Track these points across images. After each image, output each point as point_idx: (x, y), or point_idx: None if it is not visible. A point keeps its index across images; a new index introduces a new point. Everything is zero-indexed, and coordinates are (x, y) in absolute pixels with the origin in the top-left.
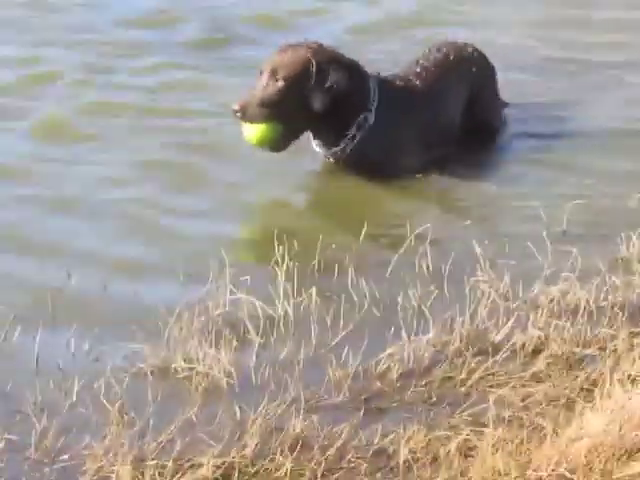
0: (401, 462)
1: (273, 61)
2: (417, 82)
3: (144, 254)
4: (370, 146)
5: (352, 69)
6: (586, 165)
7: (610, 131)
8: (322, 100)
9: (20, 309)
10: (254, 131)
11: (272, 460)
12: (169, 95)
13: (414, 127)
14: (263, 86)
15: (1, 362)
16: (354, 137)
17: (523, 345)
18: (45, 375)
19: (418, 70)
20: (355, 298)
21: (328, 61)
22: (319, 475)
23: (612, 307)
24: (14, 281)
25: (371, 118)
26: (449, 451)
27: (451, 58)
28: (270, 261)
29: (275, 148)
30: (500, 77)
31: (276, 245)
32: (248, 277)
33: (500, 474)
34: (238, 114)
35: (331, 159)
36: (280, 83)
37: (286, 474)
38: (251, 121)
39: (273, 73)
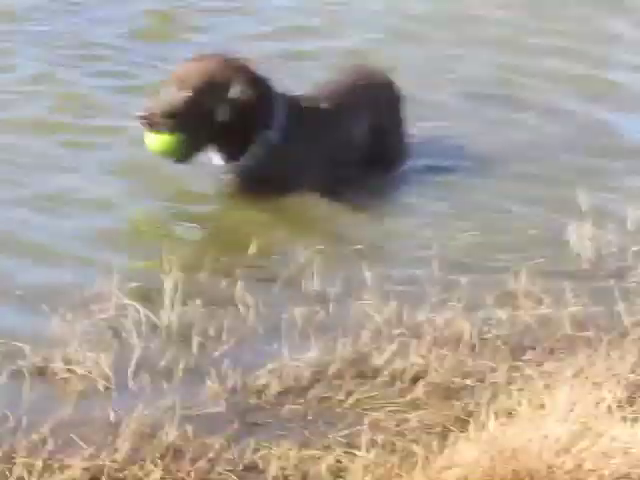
0: (270, 478)
1: (181, 71)
2: (324, 103)
3: (38, 250)
4: (270, 163)
5: (258, 83)
6: (484, 201)
7: (514, 171)
8: (225, 112)
9: None
10: (157, 140)
11: (142, 467)
12: None
13: (316, 148)
14: (169, 95)
15: None
16: (257, 153)
17: (403, 371)
18: None
19: (326, 92)
20: (240, 312)
21: (234, 72)
22: None
23: (495, 340)
24: None
25: (274, 135)
26: (320, 471)
27: (360, 82)
28: (158, 269)
29: (178, 159)
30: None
31: (165, 255)
32: (134, 284)
33: None
34: (142, 122)
35: (230, 174)
36: (186, 94)
37: None
38: (156, 130)
39: (180, 83)
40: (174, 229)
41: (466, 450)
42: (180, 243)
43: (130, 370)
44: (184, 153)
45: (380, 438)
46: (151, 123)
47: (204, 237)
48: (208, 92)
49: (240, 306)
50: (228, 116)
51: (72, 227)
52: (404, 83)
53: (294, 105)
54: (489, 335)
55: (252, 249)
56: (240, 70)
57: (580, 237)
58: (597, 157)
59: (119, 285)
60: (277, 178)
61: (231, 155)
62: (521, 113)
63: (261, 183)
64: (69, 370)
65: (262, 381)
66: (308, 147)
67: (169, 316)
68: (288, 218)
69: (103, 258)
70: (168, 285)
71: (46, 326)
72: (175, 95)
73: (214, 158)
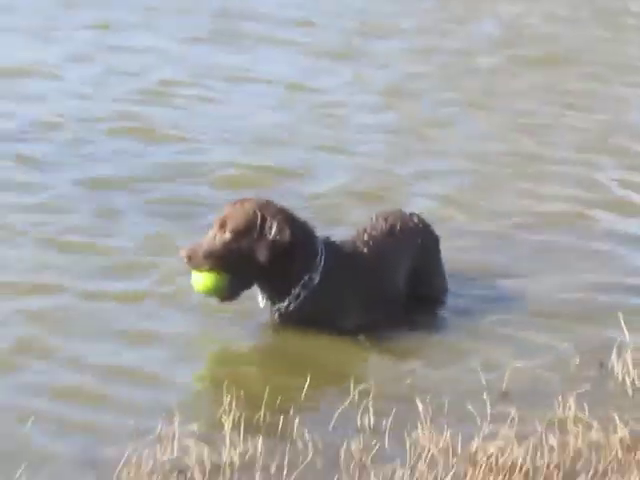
0: None
1: (223, 214)
2: (363, 249)
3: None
4: (313, 306)
5: (296, 226)
6: (523, 335)
7: (548, 304)
8: (266, 253)
9: None
10: (201, 279)
11: None
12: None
13: (357, 292)
14: (211, 237)
15: None
16: (298, 295)
17: None
18: None
19: (365, 237)
20: (299, 448)
21: (273, 215)
22: None
23: (548, 466)
24: None
25: (316, 278)
26: None
27: (397, 227)
28: (218, 410)
29: (221, 297)
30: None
31: (225, 394)
32: (196, 424)
33: None
34: (185, 261)
35: (275, 315)
36: (227, 235)
37: None
38: (198, 269)
39: (222, 225)
40: (230, 369)
41: None
42: (237, 382)
43: None
44: (227, 292)
45: None
46: (193, 263)
47: (259, 375)
48: (246, 233)
49: (298, 442)
50: (269, 257)
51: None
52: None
53: (336, 250)
54: (541, 462)
55: (305, 386)
56: (278, 213)
57: (624, 362)
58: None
59: (181, 426)
60: (320, 319)
61: (275, 297)
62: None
63: (305, 323)
64: None
65: None
66: (349, 290)
67: (231, 455)
68: (336, 355)
69: (163, 399)
70: (228, 424)
71: (112, 469)
72: (217, 236)
73: (259, 298)
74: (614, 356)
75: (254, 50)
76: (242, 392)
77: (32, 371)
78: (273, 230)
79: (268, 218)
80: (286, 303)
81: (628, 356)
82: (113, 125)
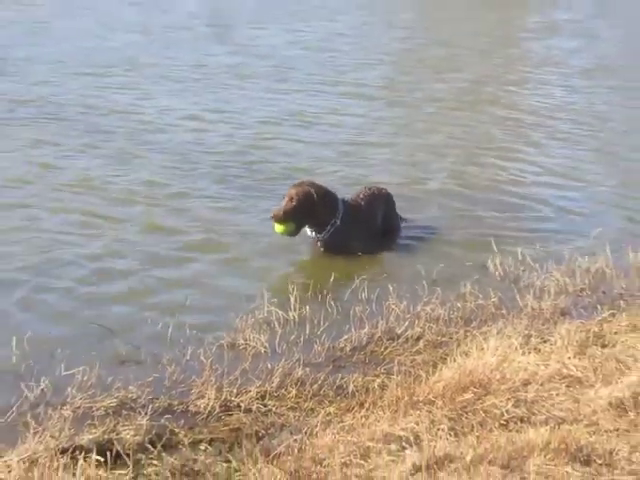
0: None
1: (290, 191)
2: (361, 203)
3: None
4: (336, 236)
5: (332, 196)
6: (442, 249)
7: (454, 237)
8: (320, 211)
9: None
10: (280, 227)
11: (286, 389)
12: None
13: (359, 228)
14: (285, 204)
15: None
16: (329, 230)
17: (412, 335)
18: None
19: (360, 197)
20: (329, 311)
21: (316, 190)
22: None
23: (456, 318)
24: None
25: (338, 221)
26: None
27: (375, 193)
28: (287, 292)
29: (291, 235)
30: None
31: (289, 283)
32: (277, 300)
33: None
34: (272, 217)
35: (318, 241)
36: (294, 203)
37: None
38: (279, 222)
39: (290, 198)
40: (294, 271)
41: (446, 373)
42: (297, 277)
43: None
44: (294, 232)
45: (402, 369)
46: (276, 219)
47: (308, 274)
48: (304, 201)
49: (329, 308)
50: (315, 213)
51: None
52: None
53: (348, 205)
54: (454, 315)
55: (332, 279)
56: (319, 188)
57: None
58: None
59: (269, 301)
60: (340, 245)
61: (318, 231)
62: None
63: (333, 246)
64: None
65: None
66: (356, 228)
67: (293, 314)
68: (348, 265)
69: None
70: (293, 299)
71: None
72: (288, 204)
73: (309, 233)
74: (490, 262)
75: None
76: (301, 282)
77: None
78: (325, 200)
79: (314, 192)
80: (323, 235)
81: (497, 262)
82: None
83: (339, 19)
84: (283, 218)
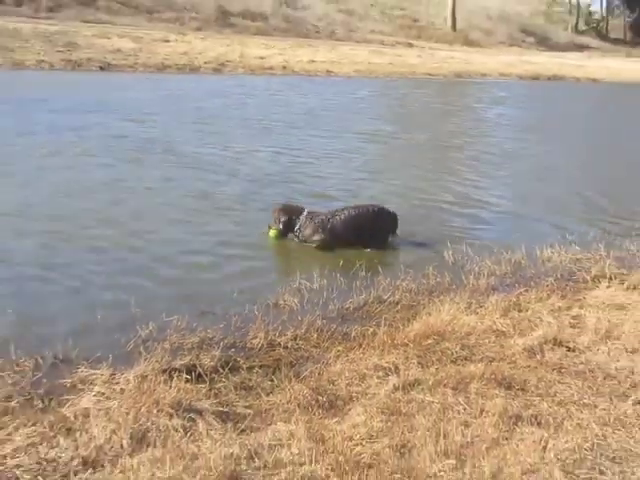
0: None
1: (278, 209)
2: (323, 215)
3: None
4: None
5: (296, 210)
6: (417, 248)
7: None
8: (293, 224)
9: None
10: (273, 234)
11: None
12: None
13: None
14: (277, 218)
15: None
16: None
17: (393, 301)
18: None
19: (332, 211)
20: (338, 284)
21: (294, 210)
22: None
23: (426, 290)
24: None
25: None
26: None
27: (369, 208)
28: (313, 267)
29: (279, 238)
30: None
31: (297, 263)
32: (306, 276)
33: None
34: (269, 229)
35: (295, 239)
36: (282, 218)
37: None
38: (272, 230)
39: (278, 213)
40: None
41: (415, 325)
42: (316, 261)
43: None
44: (281, 237)
45: (386, 323)
46: (270, 230)
47: (325, 259)
48: (286, 219)
49: (341, 284)
50: (294, 225)
51: None
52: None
53: (315, 213)
54: (421, 288)
55: (342, 262)
56: (292, 208)
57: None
58: None
59: (301, 278)
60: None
61: (293, 233)
62: None
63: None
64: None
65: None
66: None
67: (314, 285)
68: (354, 255)
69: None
70: (317, 274)
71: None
72: (278, 218)
73: (295, 235)
74: (445, 253)
75: None
76: (320, 265)
77: None
78: (282, 218)
79: (294, 211)
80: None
81: (450, 253)
82: None
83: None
84: (275, 228)
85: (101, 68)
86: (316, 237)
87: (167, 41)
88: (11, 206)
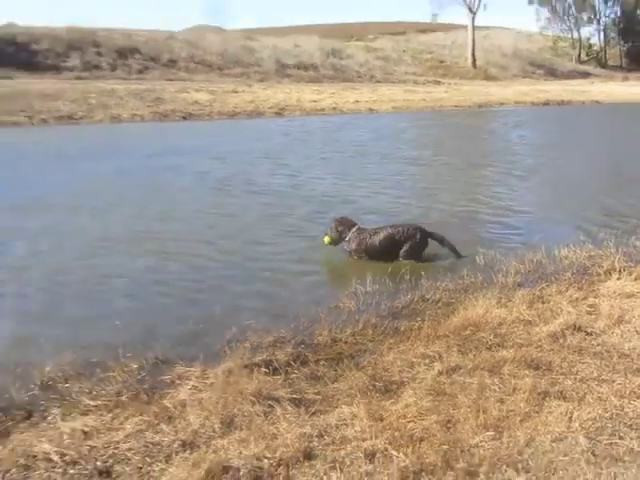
0: None
1: (335, 221)
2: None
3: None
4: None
5: (351, 224)
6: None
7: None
8: (346, 234)
9: None
10: (327, 241)
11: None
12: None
13: (360, 244)
14: (333, 229)
15: None
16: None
17: (435, 299)
18: None
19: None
20: (383, 289)
21: (348, 222)
22: None
23: (462, 288)
24: None
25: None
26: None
27: (403, 226)
28: (356, 278)
29: (333, 245)
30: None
31: (351, 275)
32: (357, 284)
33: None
34: (325, 237)
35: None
36: (336, 229)
37: None
38: (325, 238)
39: (335, 224)
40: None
41: (454, 319)
42: (368, 270)
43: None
44: (333, 244)
45: (430, 318)
46: (325, 239)
47: (375, 268)
48: (342, 229)
49: (387, 289)
50: (345, 236)
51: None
52: None
53: (362, 230)
54: (458, 287)
55: (390, 270)
56: (347, 221)
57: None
58: None
59: (359, 284)
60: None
61: (346, 245)
62: None
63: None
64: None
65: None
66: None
67: (358, 289)
68: (399, 264)
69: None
70: (369, 282)
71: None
72: (334, 228)
73: (344, 245)
74: (477, 257)
75: None
76: (372, 273)
77: None
78: (338, 228)
79: (348, 223)
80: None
81: (482, 257)
82: None
83: (398, 125)
84: (330, 236)
85: (183, 118)
86: (359, 251)
87: (236, 92)
88: (123, 232)
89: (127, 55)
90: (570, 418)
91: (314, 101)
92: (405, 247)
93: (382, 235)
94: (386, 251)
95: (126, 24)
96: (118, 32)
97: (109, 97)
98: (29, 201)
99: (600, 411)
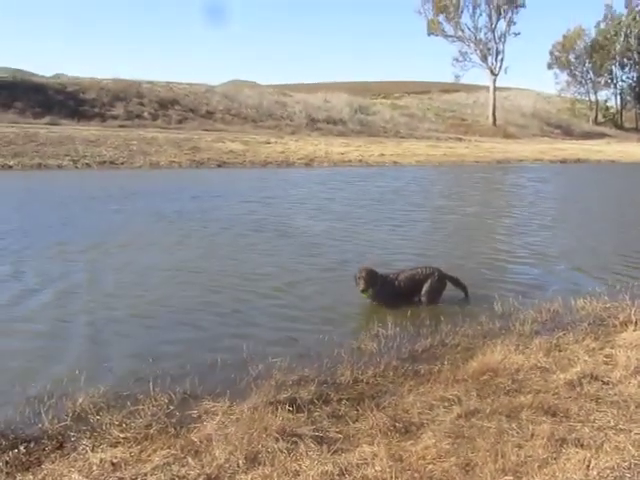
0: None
1: (362, 269)
2: (391, 277)
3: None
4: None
5: (376, 275)
6: (466, 304)
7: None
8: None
9: None
10: (364, 293)
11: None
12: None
13: (386, 291)
14: (360, 281)
15: None
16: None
17: (454, 344)
18: None
19: (396, 273)
20: (405, 331)
21: (372, 273)
22: None
23: (481, 334)
24: None
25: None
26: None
27: (422, 269)
28: (375, 320)
29: (369, 297)
30: None
31: (373, 319)
32: (376, 326)
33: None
34: (359, 288)
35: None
36: (363, 282)
37: None
38: (361, 290)
39: (361, 273)
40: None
41: (473, 364)
42: (389, 315)
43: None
44: (370, 296)
45: (449, 362)
46: (361, 289)
47: (372, 313)
48: (370, 280)
49: (404, 330)
50: (376, 286)
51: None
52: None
53: (385, 277)
54: (477, 333)
55: (410, 314)
56: (371, 271)
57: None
58: None
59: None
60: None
61: (374, 294)
62: None
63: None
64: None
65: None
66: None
67: (380, 332)
68: (419, 309)
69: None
70: (389, 323)
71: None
72: (361, 282)
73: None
74: (495, 305)
75: None
76: (393, 317)
77: None
78: (377, 279)
79: (372, 274)
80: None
81: (500, 305)
82: None
83: (421, 178)
84: (363, 289)
85: (218, 165)
86: (383, 296)
87: (268, 143)
88: (170, 265)
89: (168, 106)
90: (588, 466)
91: (342, 153)
92: (425, 286)
93: (403, 276)
94: (408, 292)
95: (167, 77)
96: (160, 84)
97: (149, 145)
98: (98, 240)
99: (618, 460)
